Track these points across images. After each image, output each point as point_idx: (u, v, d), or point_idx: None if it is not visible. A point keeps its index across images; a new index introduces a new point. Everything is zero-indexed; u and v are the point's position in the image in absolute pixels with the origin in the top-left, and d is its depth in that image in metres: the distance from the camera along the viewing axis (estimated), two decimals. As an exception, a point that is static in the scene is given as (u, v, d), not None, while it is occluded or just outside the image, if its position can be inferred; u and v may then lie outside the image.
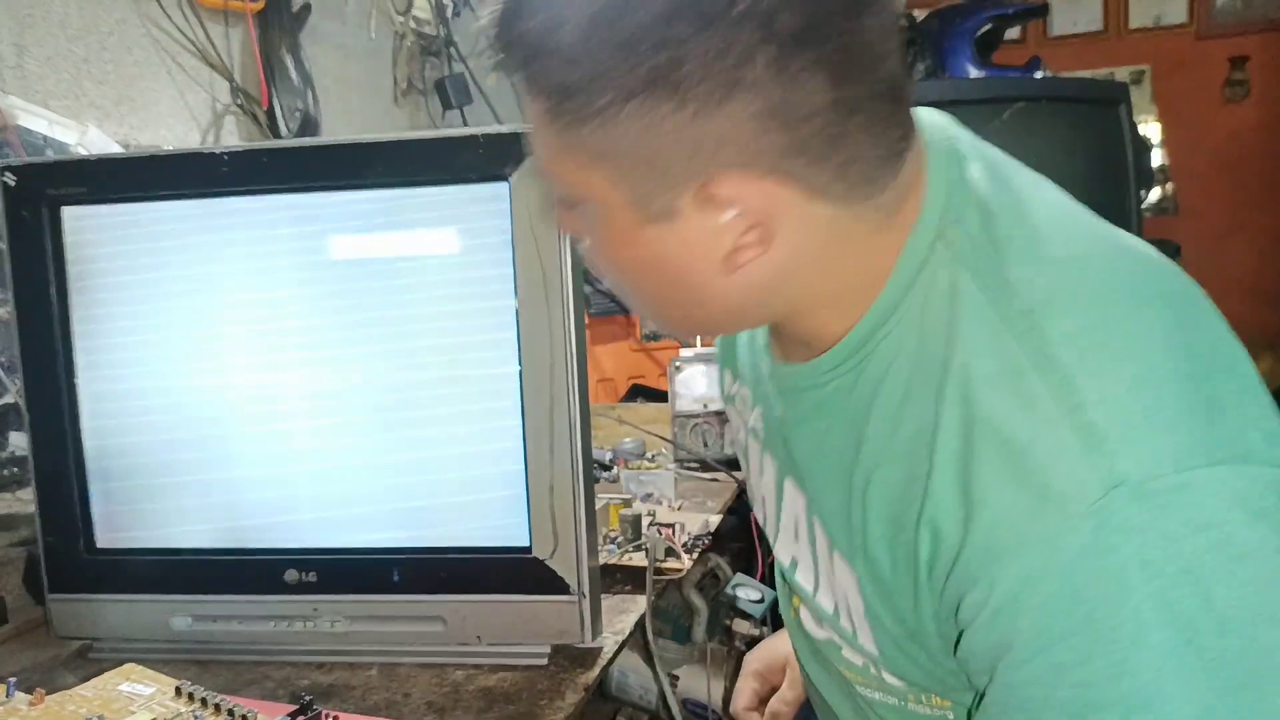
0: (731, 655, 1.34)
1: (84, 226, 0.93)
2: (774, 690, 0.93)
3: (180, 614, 0.94)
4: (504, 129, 0.85)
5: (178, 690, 0.68)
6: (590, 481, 0.88)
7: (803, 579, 0.67)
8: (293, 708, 0.65)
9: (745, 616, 1.22)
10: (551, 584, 0.87)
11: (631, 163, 0.51)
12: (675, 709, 1.05)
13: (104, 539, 0.95)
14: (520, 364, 0.86)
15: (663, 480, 1.31)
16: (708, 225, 0.52)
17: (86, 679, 0.86)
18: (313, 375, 0.91)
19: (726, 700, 1.16)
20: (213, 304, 0.92)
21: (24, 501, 1.10)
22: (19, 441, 1.10)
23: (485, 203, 0.86)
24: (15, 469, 1.11)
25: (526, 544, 0.88)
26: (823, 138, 0.50)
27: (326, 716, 0.63)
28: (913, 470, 0.53)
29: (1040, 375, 0.49)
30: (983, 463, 0.50)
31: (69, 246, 0.93)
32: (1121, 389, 0.49)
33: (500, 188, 0.85)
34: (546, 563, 0.87)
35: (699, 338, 1.88)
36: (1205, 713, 0.45)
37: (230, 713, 0.64)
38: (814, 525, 0.64)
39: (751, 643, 1.24)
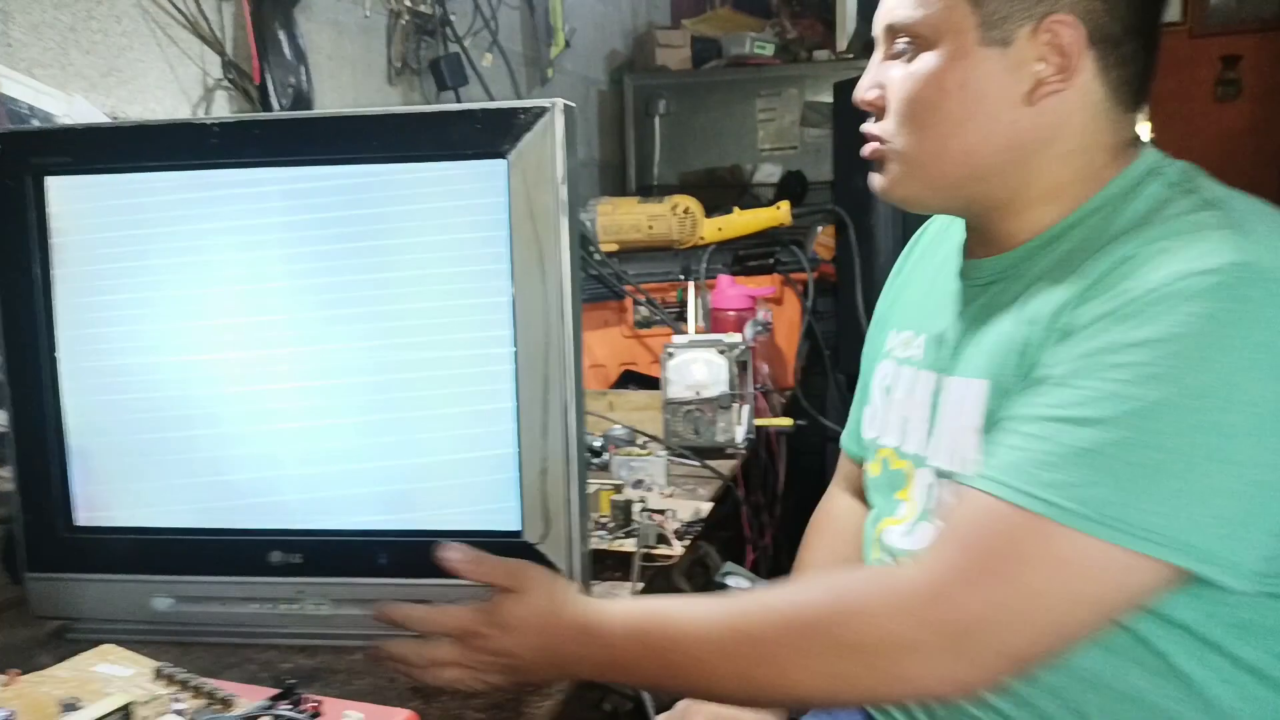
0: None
1: (68, 197, 0.90)
2: None
3: (161, 594, 0.92)
4: (503, 105, 0.84)
5: (157, 672, 0.66)
6: (584, 465, 0.86)
7: (932, 455, 0.81)
8: (275, 691, 0.63)
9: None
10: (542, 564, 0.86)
11: None
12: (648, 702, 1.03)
13: (84, 517, 0.93)
14: (515, 345, 0.85)
15: (654, 466, 1.29)
16: (1028, 57, 0.71)
17: (63, 659, 0.84)
18: (301, 353, 0.89)
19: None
20: (199, 279, 0.90)
21: (2, 479, 1.08)
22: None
23: (482, 180, 0.84)
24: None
25: (518, 528, 0.87)
26: (1131, 31, 0.72)
27: (308, 701, 0.62)
28: (1078, 285, 0.68)
29: (1211, 212, 0.67)
30: (1142, 259, 0.65)
31: (52, 217, 0.91)
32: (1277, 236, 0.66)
33: (498, 165, 0.83)
34: (537, 547, 0.86)
35: (692, 327, 1.87)
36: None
37: (210, 695, 0.62)
38: (944, 390, 0.80)
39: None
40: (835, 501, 1.05)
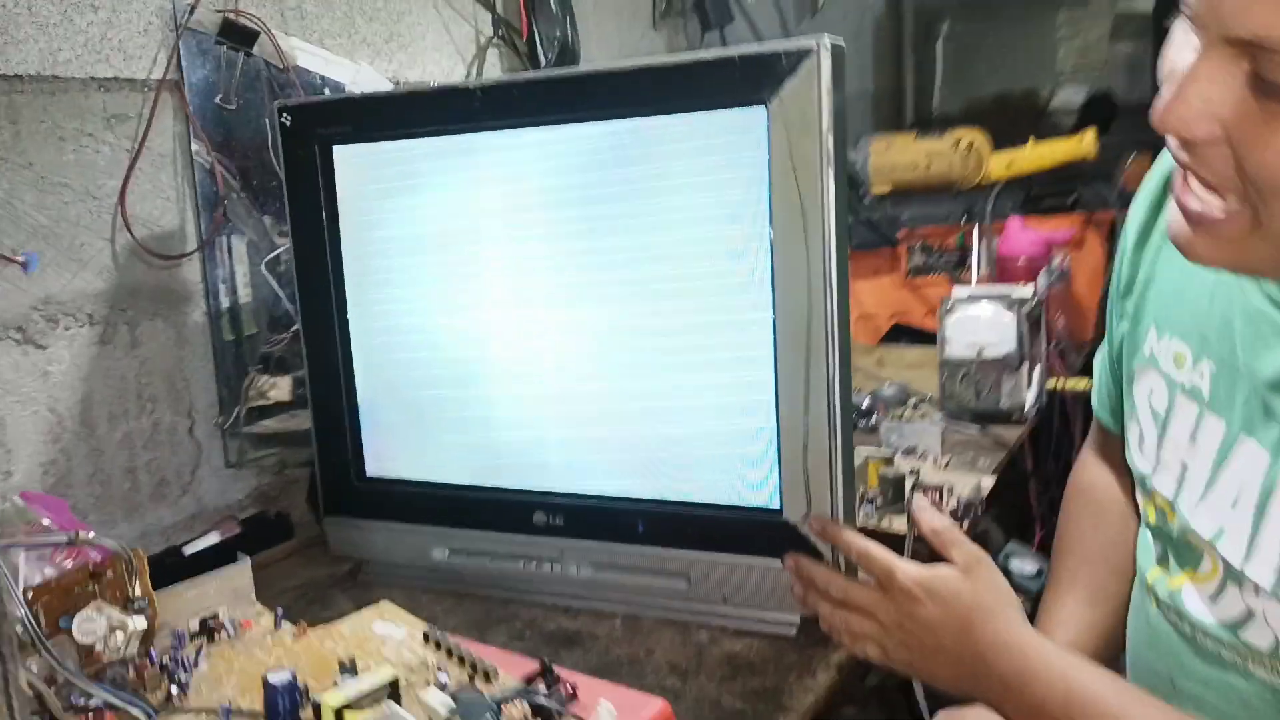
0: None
1: (352, 164, 0.95)
2: None
3: (438, 545, 0.96)
4: (763, 48, 0.76)
5: (425, 636, 0.68)
6: (849, 442, 0.79)
7: (1229, 548, 0.61)
8: (533, 667, 0.63)
9: (1017, 590, 1.09)
10: (803, 550, 0.80)
11: None
12: (919, 690, 0.95)
13: (373, 468, 1.00)
14: (774, 311, 0.79)
15: (928, 434, 1.19)
16: None
17: (354, 600, 0.91)
18: (559, 315, 0.88)
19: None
20: (467, 242, 0.91)
21: (301, 422, 1.18)
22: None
23: (741, 131, 0.78)
24: (303, 390, 1.18)
25: (777, 506, 0.82)
26: None
27: (563, 682, 0.60)
28: None
29: None
30: None
31: (339, 184, 0.96)
32: None
33: (758, 113, 0.76)
34: (799, 528, 0.80)
35: (975, 277, 1.70)
36: None
37: (474, 666, 0.63)
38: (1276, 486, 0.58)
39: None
40: (1092, 473, 0.89)
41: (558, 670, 0.63)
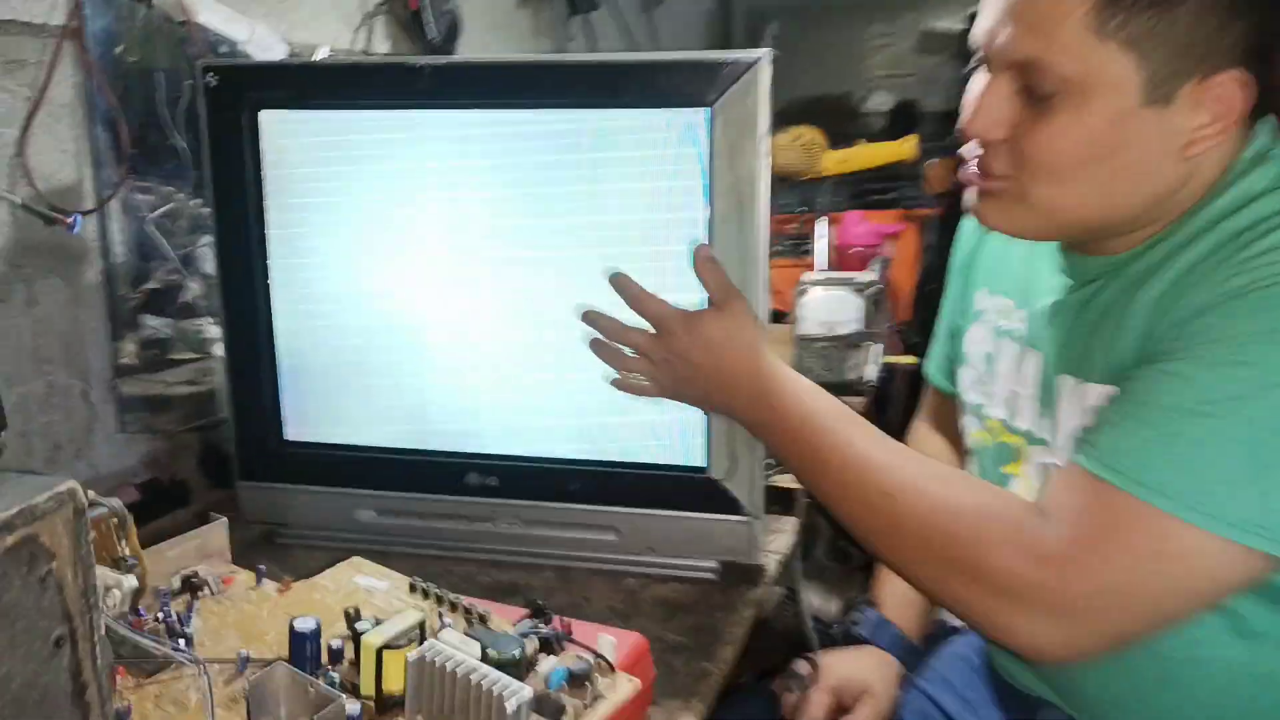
0: (848, 574, 1.38)
1: (281, 131, 0.95)
2: (844, 712, 0.93)
3: (365, 507, 0.99)
4: (712, 56, 0.85)
5: (411, 587, 0.72)
6: (770, 409, 0.90)
7: (1046, 432, 0.80)
8: (525, 611, 0.69)
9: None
10: (725, 504, 0.91)
11: (1165, 52, 0.64)
12: (808, 622, 1.09)
13: (293, 432, 1.01)
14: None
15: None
16: (1188, 113, 0.66)
17: (278, 564, 0.92)
18: (500, 290, 0.94)
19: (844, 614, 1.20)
20: (404, 214, 0.95)
21: (196, 386, 1.16)
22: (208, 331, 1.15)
23: (685, 129, 0.86)
24: (200, 356, 1.16)
25: (704, 464, 0.92)
26: (1271, 60, 0.66)
27: (559, 621, 0.68)
28: (1187, 291, 0.66)
29: None
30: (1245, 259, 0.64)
31: (266, 149, 0.95)
32: None
33: (701, 115, 0.85)
34: (722, 483, 0.91)
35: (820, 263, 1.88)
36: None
37: (468, 610, 0.68)
38: (1063, 386, 0.77)
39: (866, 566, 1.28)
40: (926, 442, 1.07)
41: (551, 613, 0.70)
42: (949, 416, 1.00)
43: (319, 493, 1.00)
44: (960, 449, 0.98)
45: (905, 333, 1.91)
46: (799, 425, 0.76)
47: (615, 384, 0.86)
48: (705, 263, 0.81)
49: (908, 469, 0.71)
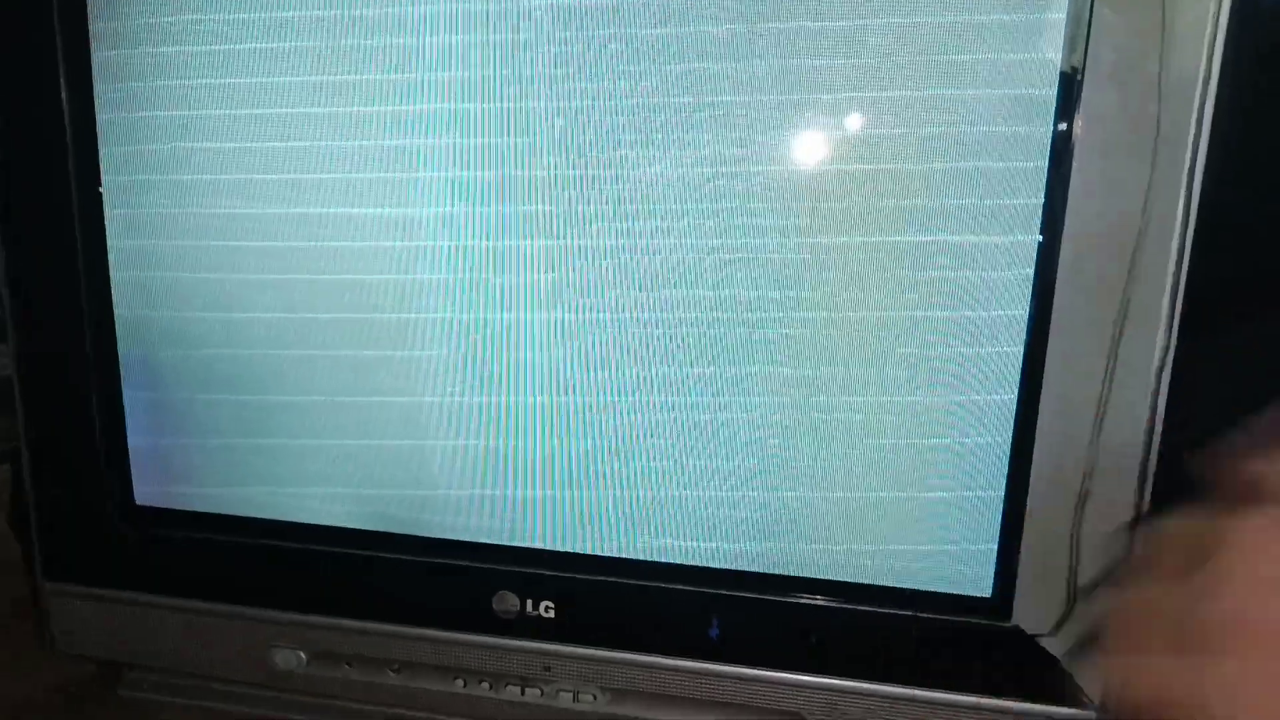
0: None
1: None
2: None
3: (286, 644, 0.50)
4: None
5: None
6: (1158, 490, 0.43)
7: None
8: None
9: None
10: (1048, 684, 0.43)
11: None
12: None
13: (146, 492, 0.51)
14: (1043, 228, 0.40)
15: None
16: None
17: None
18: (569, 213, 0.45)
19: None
20: (320, 93, 0.45)
21: None
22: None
23: None
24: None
25: (988, 594, 0.44)
26: None
27: None
28: None
29: None
30: None
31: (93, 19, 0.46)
32: None
33: None
34: (1041, 641, 0.43)
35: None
36: None
37: None
38: None
39: None
40: None
41: None
42: None
43: (201, 611, 0.51)
44: None
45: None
46: None
47: None
48: None
49: None
